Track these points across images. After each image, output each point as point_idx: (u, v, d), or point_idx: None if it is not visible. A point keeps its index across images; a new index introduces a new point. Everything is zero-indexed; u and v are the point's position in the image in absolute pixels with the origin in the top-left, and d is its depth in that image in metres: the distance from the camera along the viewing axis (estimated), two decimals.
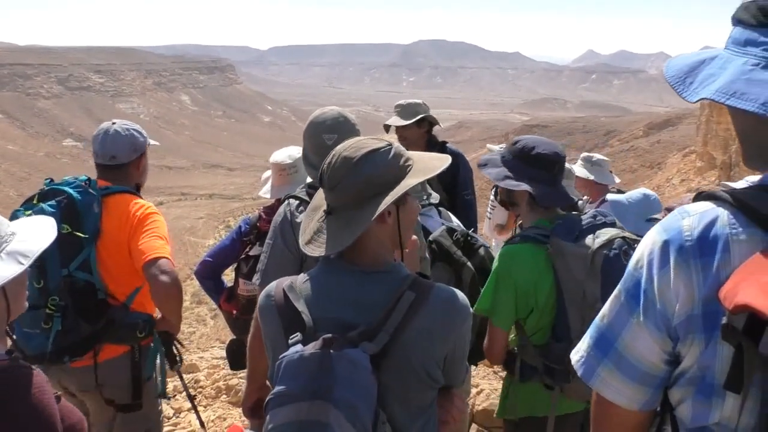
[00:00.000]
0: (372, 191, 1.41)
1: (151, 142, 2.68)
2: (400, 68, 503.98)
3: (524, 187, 2.20)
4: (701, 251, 0.96)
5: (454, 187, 3.80)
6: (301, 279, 1.47)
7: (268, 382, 2.09)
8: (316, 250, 1.44)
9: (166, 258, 2.32)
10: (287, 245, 2.05)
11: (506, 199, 2.37)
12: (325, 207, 1.47)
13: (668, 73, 1.03)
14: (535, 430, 2.30)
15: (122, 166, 2.50)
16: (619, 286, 1.09)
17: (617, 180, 4.18)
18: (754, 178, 3.77)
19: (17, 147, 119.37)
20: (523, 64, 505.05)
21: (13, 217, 2.21)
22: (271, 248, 2.09)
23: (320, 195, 1.53)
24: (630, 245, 2.10)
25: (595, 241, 2.11)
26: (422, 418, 1.45)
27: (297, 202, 2.11)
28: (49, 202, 2.26)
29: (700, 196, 1.04)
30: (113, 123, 2.54)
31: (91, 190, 2.34)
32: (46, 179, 2.42)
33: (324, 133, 2.12)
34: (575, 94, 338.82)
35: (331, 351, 1.27)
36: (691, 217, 1.00)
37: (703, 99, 0.96)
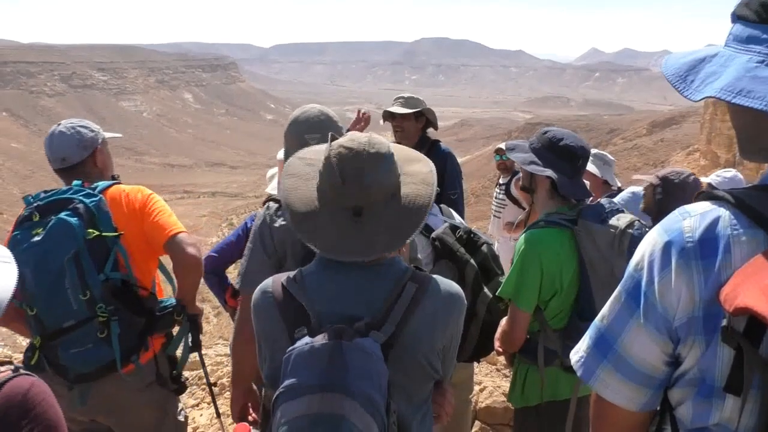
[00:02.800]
0: (398, 187, 1.45)
1: (109, 135, 2.58)
2: (402, 66, 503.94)
3: (548, 173, 2.29)
4: (703, 252, 0.96)
5: (441, 185, 3.81)
6: (300, 274, 1.46)
7: (254, 386, 2.11)
8: (369, 253, 1.40)
9: (185, 232, 2.38)
10: (266, 250, 2.03)
11: (527, 185, 2.45)
12: (338, 205, 1.41)
13: (667, 72, 1.03)
14: (557, 413, 2.35)
15: (76, 166, 2.41)
16: (619, 288, 1.09)
17: (618, 183, 4.17)
18: (727, 174, 3.77)
19: (21, 145, 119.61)
20: (526, 62, 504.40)
21: (14, 241, 2.20)
22: (251, 252, 2.07)
23: (307, 195, 1.47)
24: (644, 227, 2.27)
25: (619, 221, 2.25)
26: (421, 410, 1.46)
27: (276, 205, 2.09)
28: (66, 212, 2.21)
29: (700, 196, 1.03)
30: (59, 124, 2.46)
31: (92, 192, 2.30)
32: (28, 195, 2.35)
33: (306, 133, 2.09)
34: (578, 93, 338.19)
35: (342, 341, 1.27)
36: (692, 217, 0.99)
37: (707, 97, 0.96)
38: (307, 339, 1.30)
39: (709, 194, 1.01)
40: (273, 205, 2.10)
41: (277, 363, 1.37)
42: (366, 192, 1.39)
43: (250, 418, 2.18)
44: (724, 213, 0.97)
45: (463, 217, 3.85)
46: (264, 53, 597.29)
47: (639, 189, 3.51)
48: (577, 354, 1.15)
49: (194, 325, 2.51)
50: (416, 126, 3.87)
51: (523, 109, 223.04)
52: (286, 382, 1.26)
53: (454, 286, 1.48)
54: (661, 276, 0.99)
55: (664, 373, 1.03)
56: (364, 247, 1.40)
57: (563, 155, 2.31)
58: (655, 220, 2.92)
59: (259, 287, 1.49)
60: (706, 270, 0.95)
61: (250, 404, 2.19)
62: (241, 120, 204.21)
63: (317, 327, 1.34)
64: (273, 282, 1.47)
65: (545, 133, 2.40)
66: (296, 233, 1.45)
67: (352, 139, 1.42)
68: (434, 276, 1.47)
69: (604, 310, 1.11)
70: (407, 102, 3.88)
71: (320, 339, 1.29)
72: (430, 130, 4.05)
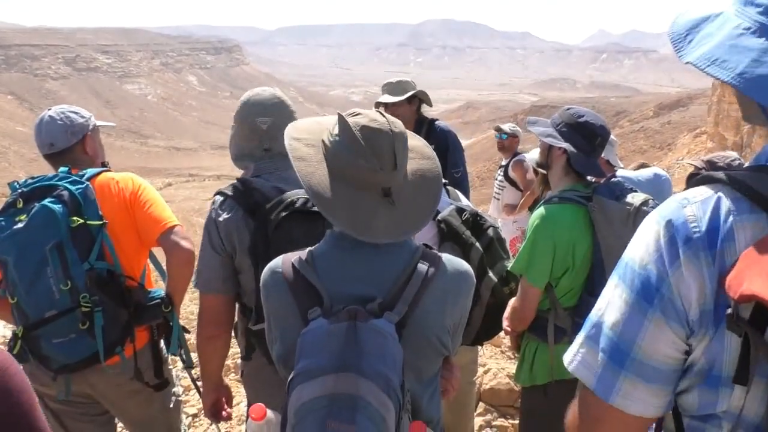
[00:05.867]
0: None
1: (101, 123, 2.54)
2: (407, 48, 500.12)
3: (564, 145, 2.31)
4: (710, 242, 0.91)
5: (444, 165, 3.80)
6: (310, 255, 1.43)
7: (238, 373, 2.19)
8: (402, 234, 1.40)
9: (179, 225, 2.34)
10: (213, 247, 1.97)
11: (543, 161, 2.47)
12: (367, 188, 1.38)
13: (672, 29, 0.98)
14: (565, 392, 2.16)
15: (64, 151, 2.37)
16: (623, 289, 1.00)
17: (621, 165, 4.16)
18: (729, 154, 3.59)
19: (26, 128, 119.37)
20: (533, 44, 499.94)
21: None
22: (202, 249, 2.02)
23: (324, 180, 1.40)
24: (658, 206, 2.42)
25: (634, 199, 2.25)
26: (431, 387, 1.48)
27: (222, 198, 2.00)
28: (49, 199, 2.14)
29: (695, 180, 0.99)
30: (49, 110, 2.43)
31: (78, 179, 2.23)
32: (13, 182, 2.28)
33: (258, 117, 2.03)
34: (585, 75, 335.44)
35: (357, 323, 1.27)
36: (692, 205, 0.94)
37: (689, 63, 0.93)
38: (321, 321, 1.29)
39: (706, 178, 0.97)
40: (219, 198, 2.02)
41: (288, 342, 1.38)
42: (398, 173, 1.38)
43: (224, 413, 2.18)
44: (724, 198, 0.92)
45: (468, 196, 3.85)
46: (268, 35, 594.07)
47: (662, 172, 3.51)
48: (589, 371, 1.03)
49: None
50: (410, 109, 3.80)
51: (529, 91, 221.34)
52: (301, 365, 1.25)
53: (463, 264, 1.49)
54: (672, 269, 0.94)
55: (682, 363, 0.99)
56: (397, 227, 1.39)
57: (582, 131, 2.32)
58: None
59: (268, 266, 1.47)
60: (714, 260, 0.91)
61: (224, 399, 2.17)
62: None
63: (330, 307, 1.33)
64: (283, 262, 1.44)
65: (568, 109, 2.41)
66: (328, 219, 1.41)
67: (373, 119, 1.38)
68: (443, 254, 1.48)
69: (608, 312, 1.01)
70: (395, 88, 3.80)
71: (335, 321, 1.28)
72: (425, 109, 3.97)
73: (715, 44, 0.89)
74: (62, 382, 2.21)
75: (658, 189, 3.36)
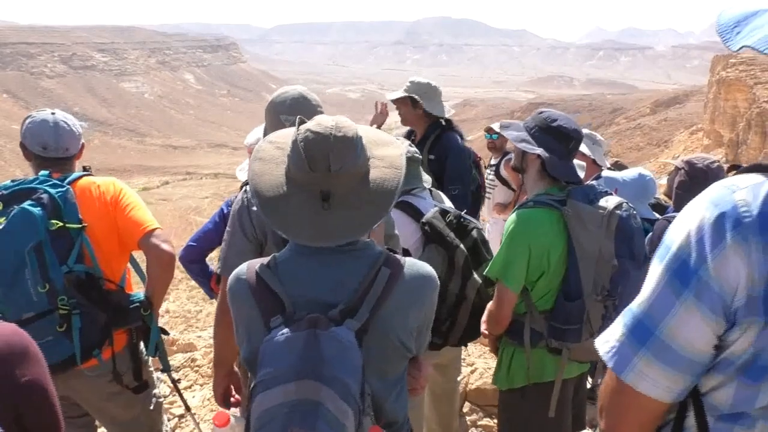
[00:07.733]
0: (366, 171, 1.42)
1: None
2: (404, 46, 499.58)
3: (538, 151, 2.30)
4: (762, 227, 0.89)
5: (441, 178, 3.63)
6: (273, 261, 1.45)
7: (236, 368, 2.18)
8: (337, 238, 1.38)
9: (160, 228, 2.36)
10: (246, 234, 2.01)
11: (518, 165, 2.46)
12: (306, 190, 1.39)
13: (720, 21, 1.00)
14: (542, 395, 2.38)
15: (72, 157, 2.46)
16: (659, 269, 0.99)
17: (608, 165, 4.14)
18: (708, 156, 3.52)
19: None
20: (530, 42, 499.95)
21: None
22: (231, 236, 2.04)
23: (275, 180, 1.42)
24: (632, 209, 2.32)
25: (608, 203, 2.26)
26: (396, 387, 1.49)
27: None
28: (29, 202, 2.17)
29: (742, 169, 0.99)
30: (53, 113, 2.46)
31: (59, 183, 2.27)
32: None
33: (282, 114, 2.06)
34: (582, 72, 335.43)
35: (317, 331, 1.28)
36: (742, 190, 0.93)
37: (744, 47, 0.95)
38: (282, 329, 1.30)
39: (756, 166, 0.97)
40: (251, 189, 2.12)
41: (253, 346, 1.39)
42: (333, 177, 1.36)
43: (232, 399, 2.21)
44: None
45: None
46: (265, 34, 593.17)
47: (647, 172, 3.47)
48: (607, 344, 1.05)
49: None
50: (414, 112, 3.69)
51: (525, 88, 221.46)
52: (262, 373, 1.26)
53: (425, 268, 1.49)
54: (714, 253, 0.91)
55: (709, 358, 0.96)
56: (332, 232, 1.38)
57: (555, 135, 2.31)
58: (676, 203, 3.00)
59: (234, 272, 1.47)
60: (765, 247, 0.89)
61: (232, 386, 2.21)
62: (243, 101, 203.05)
63: (292, 314, 1.34)
64: (248, 268, 1.45)
65: (540, 113, 2.40)
66: (265, 219, 1.42)
67: (319, 123, 1.39)
68: (407, 258, 1.48)
69: (641, 295, 1.02)
70: (410, 87, 3.73)
71: (295, 329, 1.29)
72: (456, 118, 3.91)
73: None
74: None
75: (643, 189, 3.34)
